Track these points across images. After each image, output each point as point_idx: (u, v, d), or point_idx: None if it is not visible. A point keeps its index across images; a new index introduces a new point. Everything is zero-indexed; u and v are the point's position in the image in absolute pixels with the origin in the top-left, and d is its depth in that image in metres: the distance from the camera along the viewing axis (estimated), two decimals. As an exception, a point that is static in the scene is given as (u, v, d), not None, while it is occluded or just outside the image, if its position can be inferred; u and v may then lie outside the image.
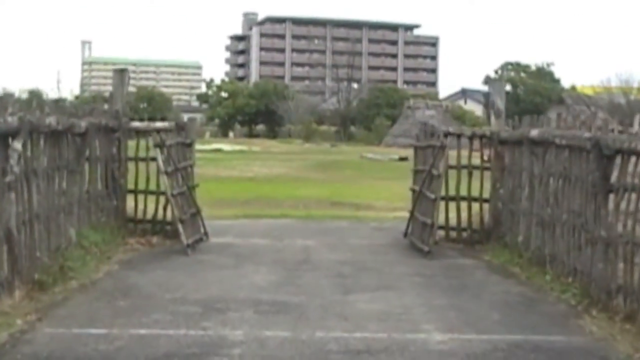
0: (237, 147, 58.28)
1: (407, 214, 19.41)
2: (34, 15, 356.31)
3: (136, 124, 14.79)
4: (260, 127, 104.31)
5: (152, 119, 72.88)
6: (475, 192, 14.77)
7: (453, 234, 14.80)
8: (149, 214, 14.77)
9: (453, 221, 14.75)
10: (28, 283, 9.61)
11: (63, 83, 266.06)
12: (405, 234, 14.90)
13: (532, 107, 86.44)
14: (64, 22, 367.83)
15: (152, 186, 14.57)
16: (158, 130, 14.22)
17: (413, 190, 15.21)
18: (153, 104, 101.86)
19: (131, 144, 14.99)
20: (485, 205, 14.80)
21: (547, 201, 11.73)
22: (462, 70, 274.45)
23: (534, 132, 12.10)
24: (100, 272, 11.25)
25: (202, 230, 14.44)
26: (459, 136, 14.48)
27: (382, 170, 37.04)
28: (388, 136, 77.90)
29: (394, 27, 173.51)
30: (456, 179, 14.56)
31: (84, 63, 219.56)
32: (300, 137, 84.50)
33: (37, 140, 10.30)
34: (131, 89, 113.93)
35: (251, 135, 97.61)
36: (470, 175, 14.68)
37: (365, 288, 10.66)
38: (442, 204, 14.05)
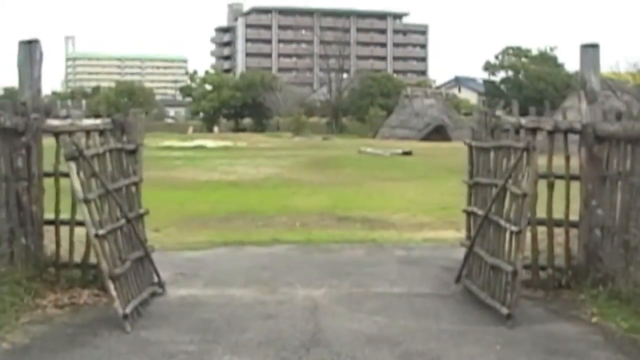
0: (222, 143, 53.27)
1: (437, 235, 14.79)
2: (17, 10, 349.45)
3: (54, 122, 9.84)
4: (247, 121, 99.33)
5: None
6: (557, 213, 10.03)
7: (525, 273, 9.96)
8: (79, 255, 9.97)
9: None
10: None
11: (43, 79, 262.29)
12: (459, 278, 10.08)
13: (536, 94, 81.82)
14: (47, 18, 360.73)
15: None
16: (87, 132, 9.39)
17: (469, 214, 10.39)
18: (134, 98, 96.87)
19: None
20: (573, 232, 10.07)
21: None
22: (454, 59, 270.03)
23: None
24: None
25: (154, 278, 9.64)
26: (533, 131, 9.59)
27: (387, 168, 32.18)
28: (384, 127, 72.87)
29: (382, 16, 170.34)
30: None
31: (67, 59, 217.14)
32: (289, 130, 79.63)
33: None
34: (111, 84, 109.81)
35: (237, 129, 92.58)
36: (550, 188, 9.89)
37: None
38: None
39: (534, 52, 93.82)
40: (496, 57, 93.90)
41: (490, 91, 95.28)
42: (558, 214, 10.01)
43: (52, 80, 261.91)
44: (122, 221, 8.83)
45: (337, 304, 9.23)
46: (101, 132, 9.50)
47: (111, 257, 8.33)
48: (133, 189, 9.57)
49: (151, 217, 16.47)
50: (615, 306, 8.67)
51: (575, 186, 10.04)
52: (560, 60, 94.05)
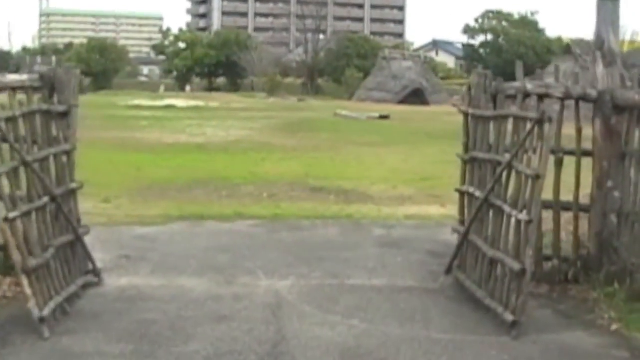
0: (193, 103, 51.39)
1: (421, 210, 13.32)
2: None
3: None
4: (222, 80, 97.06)
5: (105, 72, 65.27)
6: (564, 194, 8.55)
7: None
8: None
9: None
10: None
11: (15, 35, 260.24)
12: (450, 269, 8.60)
13: (516, 59, 79.70)
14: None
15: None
16: (13, 89, 7.75)
17: (463, 194, 8.85)
18: (106, 55, 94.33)
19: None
20: (584, 218, 8.61)
21: None
22: (432, 22, 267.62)
23: None
24: None
25: (88, 265, 8.09)
26: (541, 97, 8.07)
27: (364, 133, 30.59)
28: (361, 90, 71.08)
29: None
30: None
31: (41, 15, 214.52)
32: (264, 91, 77.78)
33: None
34: (84, 41, 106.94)
35: (211, 89, 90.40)
36: (559, 165, 8.40)
37: None
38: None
39: (515, 16, 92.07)
40: (476, 21, 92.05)
41: (469, 55, 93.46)
42: (566, 195, 8.55)
43: (24, 37, 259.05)
44: (45, 199, 7.23)
45: (305, 301, 7.72)
46: (27, 89, 7.88)
47: (28, 245, 6.75)
48: (64, 159, 7.94)
49: (103, 184, 14.98)
50: (637, 310, 7.24)
51: (587, 164, 8.57)
52: (541, 25, 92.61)
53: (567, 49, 38.73)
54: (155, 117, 36.93)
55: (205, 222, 11.80)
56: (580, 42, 39.83)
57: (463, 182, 8.76)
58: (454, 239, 8.99)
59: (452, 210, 13.09)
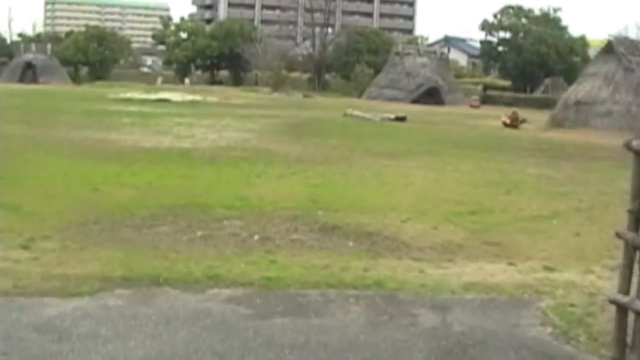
0: (189, 98, 47.15)
1: (481, 273, 9.11)
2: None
3: None
4: (224, 73, 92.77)
5: (103, 62, 61.66)
6: None
7: None
8: None
9: None
10: None
11: (16, 22, 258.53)
12: None
13: (537, 58, 75.69)
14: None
15: None
16: None
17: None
18: (105, 44, 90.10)
19: None
20: None
21: None
22: (443, 18, 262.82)
23: None
24: None
25: None
26: None
27: (380, 138, 26.35)
28: (371, 87, 66.78)
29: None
30: None
31: (46, 3, 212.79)
32: (268, 85, 73.64)
33: None
34: (81, 28, 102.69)
35: (213, 82, 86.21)
36: None
37: None
38: None
39: (536, 12, 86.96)
40: (494, 16, 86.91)
41: (486, 52, 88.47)
42: None
43: (27, 24, 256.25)
44: None
45: None
46: None
47: None
48: None
49: (37, 214, 10.79)
50: None
51: None
52: (564, 22, 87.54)
53: (608, 47, 34.37)
54: (142, 114, 32.75)
55: (159, 293, 7.64)
56: (624, 40, 35.47)
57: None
58: (550, 335, 4.94)
59: (528, 273, 8.98)
